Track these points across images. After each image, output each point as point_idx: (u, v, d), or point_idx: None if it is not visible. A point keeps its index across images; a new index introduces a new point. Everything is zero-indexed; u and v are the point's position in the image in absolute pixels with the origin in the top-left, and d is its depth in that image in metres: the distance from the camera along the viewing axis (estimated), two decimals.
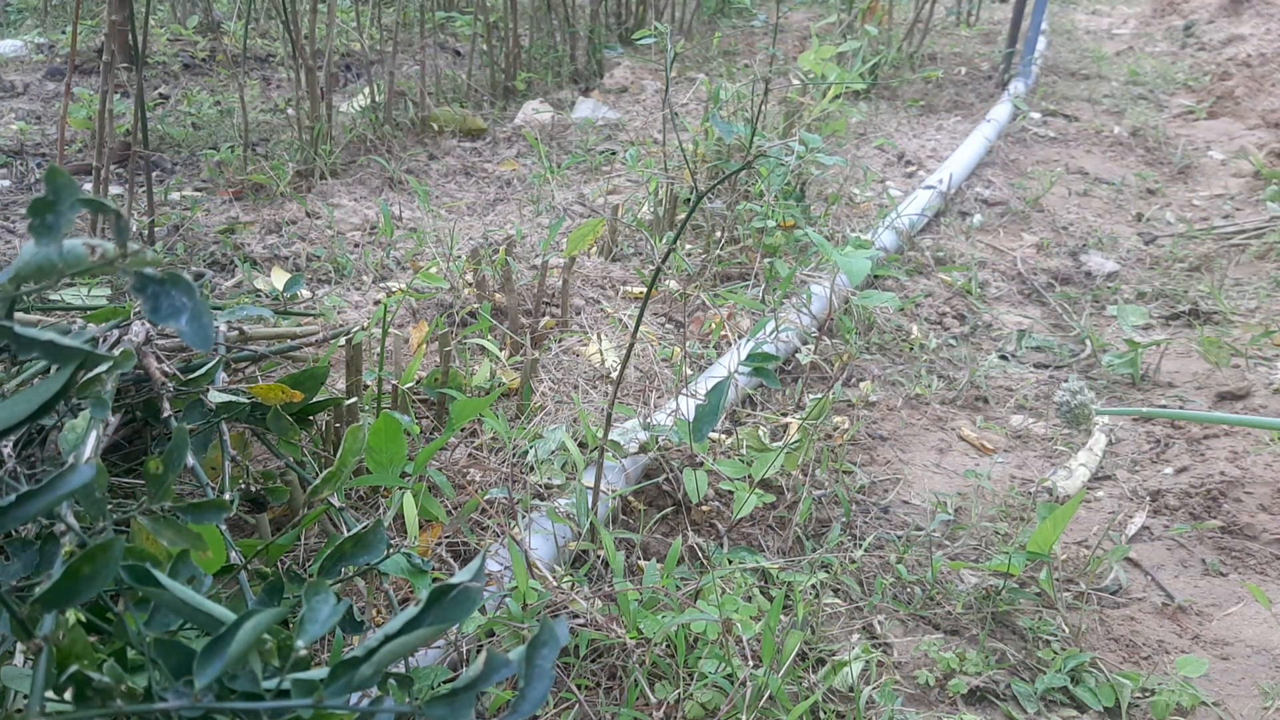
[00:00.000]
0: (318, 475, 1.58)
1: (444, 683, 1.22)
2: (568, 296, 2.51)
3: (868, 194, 3.62)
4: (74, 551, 0.79)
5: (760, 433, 2.02)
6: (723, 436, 2.06)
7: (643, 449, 1.89)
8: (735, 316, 2.61)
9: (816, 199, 3.35)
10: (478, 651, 1.36)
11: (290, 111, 3.97)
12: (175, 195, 3.21)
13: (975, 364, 2.56)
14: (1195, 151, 4.47)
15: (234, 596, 1.09)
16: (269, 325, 1.90)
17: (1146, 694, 1.49)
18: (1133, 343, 2.54)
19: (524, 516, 1.66)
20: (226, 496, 1.26)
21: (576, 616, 1.45)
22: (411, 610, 0.66)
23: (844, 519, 1.86)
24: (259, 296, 2.50)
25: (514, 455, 1.86)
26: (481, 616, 1.38)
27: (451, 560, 1.63)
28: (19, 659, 0.91)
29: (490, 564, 1.51)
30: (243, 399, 1.37)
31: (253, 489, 1.42)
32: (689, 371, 2.27)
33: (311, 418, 1.63)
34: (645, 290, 2.17)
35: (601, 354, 2.34)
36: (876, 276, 2.95)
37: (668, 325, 2.59)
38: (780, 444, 1.92)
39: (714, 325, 2.44)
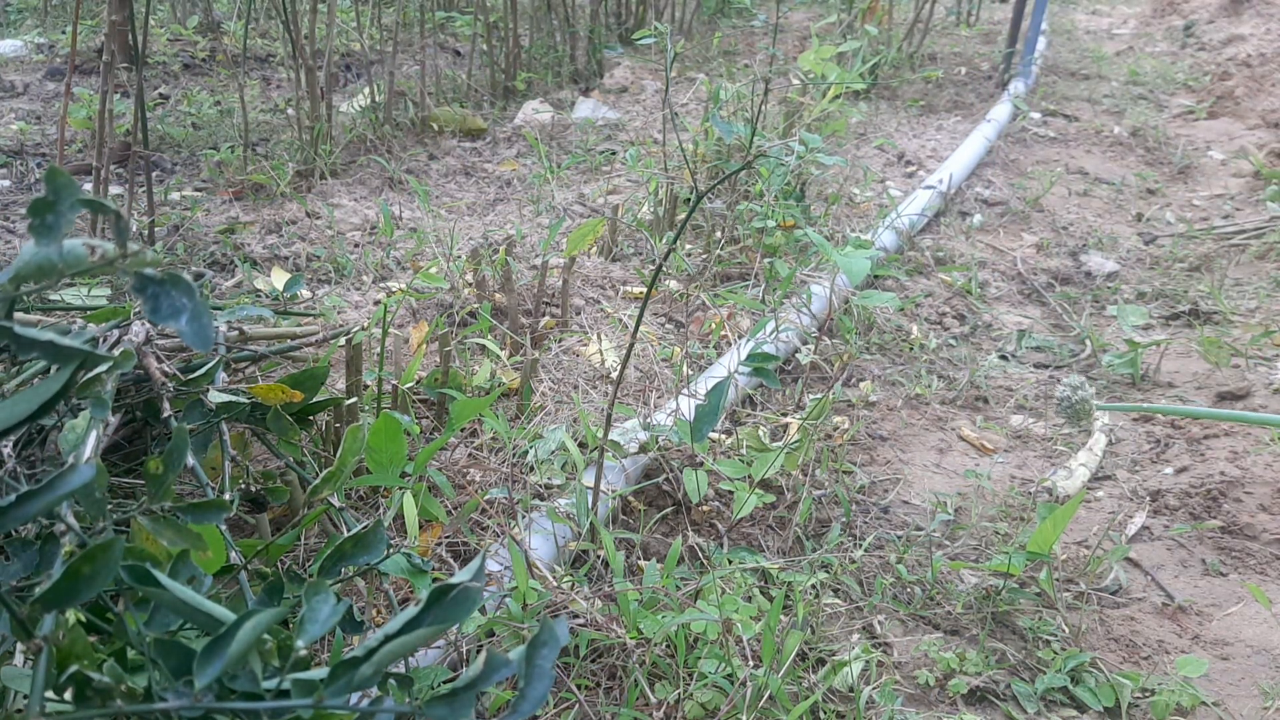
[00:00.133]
0: (318, 475, 1.58)
1: (444, 683, 1.22)
2: (568, 296, 2.51)
3: (868, 194, 3.62)
4: (74, 551, 0.79)
5: (760, 433, 2.02)
6: (723, 436, 2.06)
7: (643, 449, 1.89)
8: (735, 316, 2.61)
9: (816, 199, 3.35)
10: (478, 651, 1.36)
11: (290, 111, 3.97)
12: (175, 195, 3.21)
13: (975, 364, 2.56)
14: (1195, 151, 4.47)
15: (234, 596, 1.09)
16: (269, 325, 1.90)
17: (1146, 694, 1.49)
18: (1133, 343, 2.54)
19: (524, 516, 1.66)
20: (226, 496, 1.26)
21: (576, 616, 1.45)
22: (411, 610, 0.66)
23: (844, 519, 1.86)
24: (259, 296, 2.50)
25: (514, 455, 1.86)
26: (481, 616, 1.38)
27: (451, 560, 1.63)
28: (19, 659, 0.91)
29: (490, 564, 1.51)
30: (243, 399, 1.37)
31: (253, 489, 1.42)
32: (689, 371, 2.27)
33: (311, 418, 1.63)
34: (645, 290, 2.17)
35: (601, 354, 2.34)
36: (876, 276, 2.95)
37: (668, 325, 2.59)
38: (780, 444, 1.92)
39: (714, 325, 2.44)
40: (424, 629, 0.65)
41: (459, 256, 2.77)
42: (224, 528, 1.16)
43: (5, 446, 1.23)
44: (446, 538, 1.65)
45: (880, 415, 2.31)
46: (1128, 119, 4.88)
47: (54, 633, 0.65)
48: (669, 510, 1.82)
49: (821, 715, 1.38)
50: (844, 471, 2.03)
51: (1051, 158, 4.33)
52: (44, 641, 0.64)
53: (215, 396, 1.36)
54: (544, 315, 2.50)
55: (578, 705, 1.36)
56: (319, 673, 0.64)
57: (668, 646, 1.43)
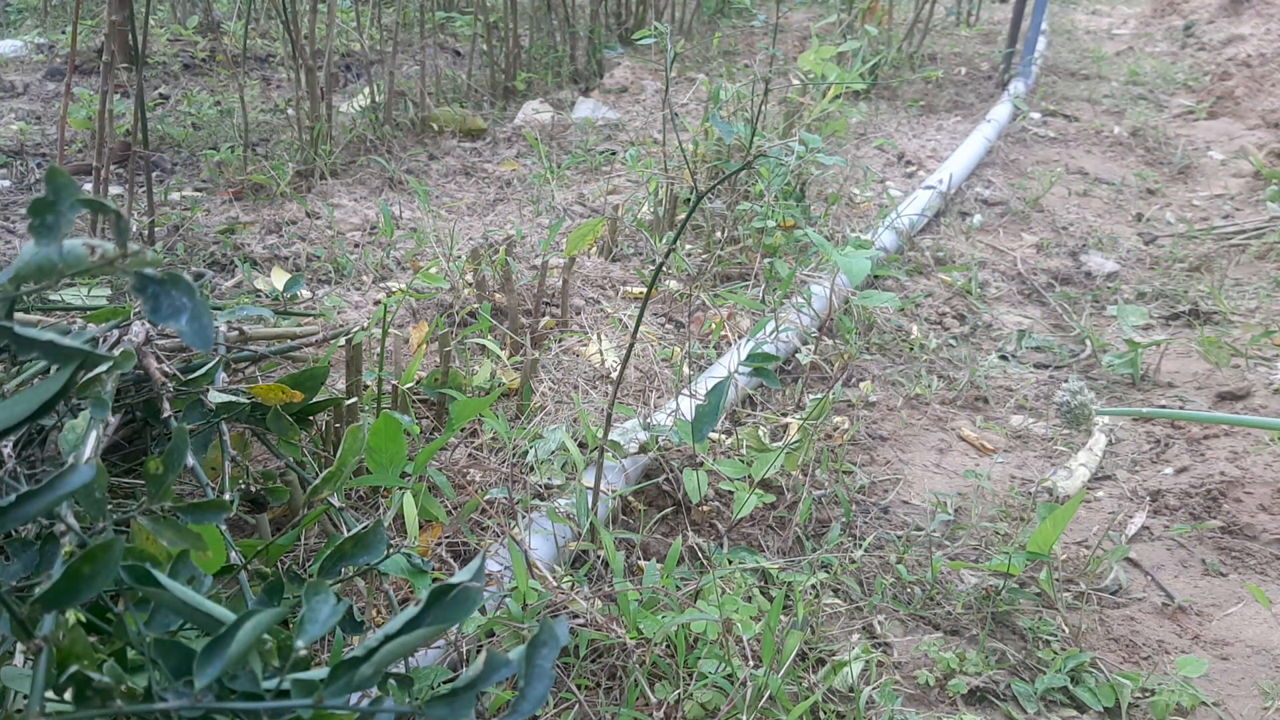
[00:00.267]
0: (318, 475, 1.58)
1: (444, 683, 1.22)
2: (568, 296, 2.51)
3: (868, 194, 3.62)
4: (74, 551, 0.79)
5: (760, 433, 2.02)
6: (723, 436, 2.06)
7: (643, 449, 1.89)
8: (735, 316, 2.61)
9: (816, 199, 3.35)
10: (478, 651, 1.36)
11: (290, 111, 3.97)
12: (175, 195, 3.21)
13: (975, 364, 2.56)
14: (1195, 151, 4.47)
15: (234, 596, 1.09)
16: (269, 325, 1.90)
17: (1146, 694, 1.49)
18: (1133, 343, 2.54)
19: (524, 516, 1.66)
20: (226, 496, 1.26)
21: (576, 616, 1.45)
22: (411, 610, 0.66)
23: (844, 519, 1.86)
24: (259, 296, 2.50)
25: (514, 455, 1.86)
26: (481, 616, 1.38)
27: (451, 560, 1.63)
28: (19, 659, 0.91)
29: (490, 564, 1.51)
30: (243, 399, 1.37)
31: (253, 489, 1.42)
32: (689, 371, 2.27)
33: (311, 418, 1.63)
34: (645, 290, 2.17)
35: (601, 354, 2.34)
36: (876, 276, 2.95)
37: (668, 325, 2.59)
38: (780, 444, 1.92)
39: (714, 325, 2.44)
40: (424, 629, 0.65)
41: (459, 256, 2.77)
42: (224, 528, 1.16)
43: (5, 446, 1.23)
44: (446, 538, 1.65)
45: (880, 415, 2.31)
46: (1128, 119, 4.88)
47: (54, 633, 0.65)
48: (669, 510, 1.82)
49: (821, 715, 1.38)
50: (844, 471, 2.03)
51: (1051, 158, 4.33)
52: (44, 641, 0.64)
53: (215, 396, 1.36)
54: (544, 315, 2.50)
55: (578, 705, 1.36)
56: (319, 673, 0.64)
57: (668, 646, 1.43)
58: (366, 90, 4.06)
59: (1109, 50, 6.48)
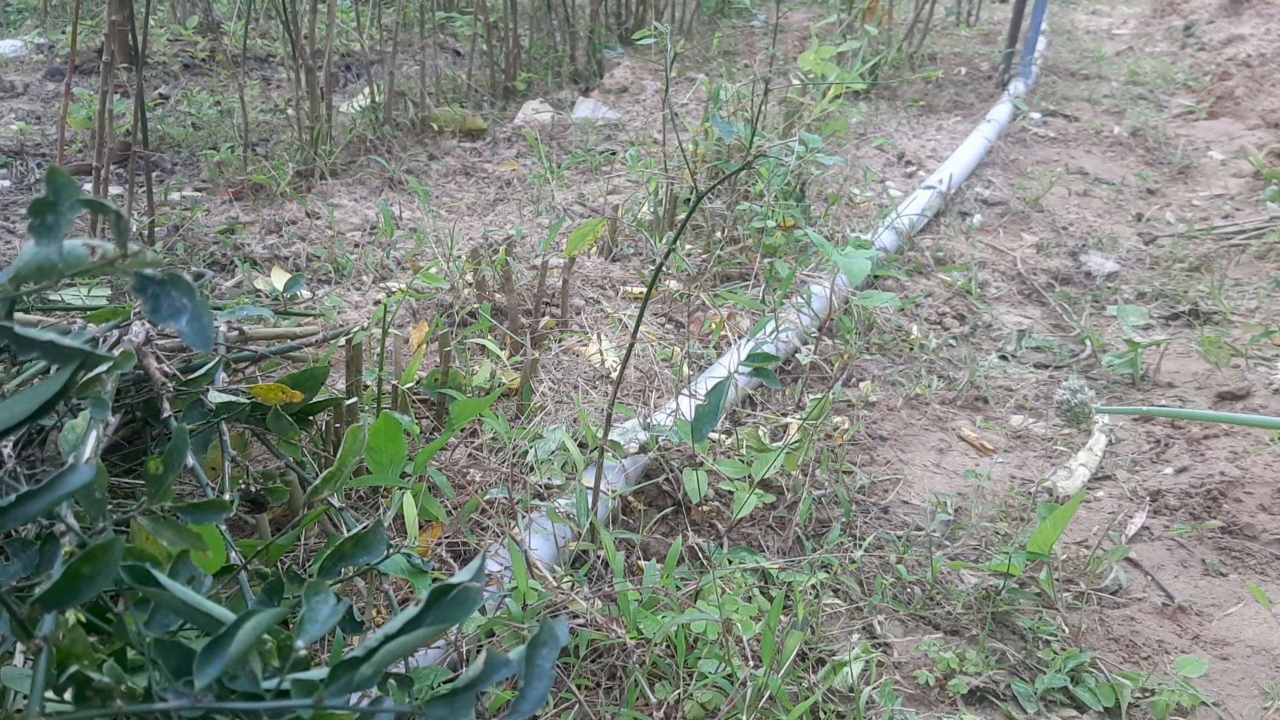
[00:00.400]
0: (318, 475, 1.58)
1: (444, 683, 1.22)
2: (568, 296, 2.51)
3: (868, 194, 3.62)
4: (74, 551, 0.79)
5: (760, 433, 2.02)
6: (723, 436, 2.06)
7: (643, 449, 1.89)
8: (735, 316, 2.61)
9: (816, 199, 3.35)
10: (478, 651, 1.36)
11: (290, 111, 3.97)
12: (175, 195, 3.21)
13: (975, 364, 2.56)
14: (1195, 151, 4.47)
15: (234, 596, 1.09)
16: (269, 325, 1.90)
17: (1146, 694, 1.49)
18: (1133, 343, 2.54)
19: (524, 516, 1.66)
20: (226, 497, 1.26)
21: (576, 616, 1.45)
22: (411, 610, 0.66)
23: (844, 519, 1.86)
24: (259, 296, 2.50)
25: (514, 455, 1.86)
26: (481, 616, 1.38)
27: (451, 560, 1.63)
28: (19, 659, 0.91)
29: (490, 564, 1.51)
30: (243, 399, 1.37)
31: (253, 489, 1.42)
32: (689, 371, 2.27)
33: (311, 418, 1.63)
34: (645, 290, 2.17)
35: (601, 354, 2.34)
36: (876, 276, 2.95)
37: (668, 325, 2.59)
38: (780, 444, 1.92)
39: (714, 325, 2.44)
40: (424, 629, 0.65)
41: (459, 256, 2.77)
42: (224, 528, 1.16)
43: (5, 446, 1.23)
44: (446, 538, 1.65)
45: (880, 415, 2.31)
46: (1128, 119, 4.88)
47: (54, 633, 0.65)
48: (669, 510, 1.82)
49: (821, 715, 1.38)
50: (844, 471, 2.03)
51: (1051, 158, 4.33)
52: (44, 641, 0.64)
53: (215, 396, 1.36)
54: (544, 315, 2.50)
55: (578, 705, 1.36)
56: (319, 673, 0.64)
57: (668, 646, 1.43)
58: (366, 90, 4.06)
59: (1109, 50, 6.48)
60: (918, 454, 2.16)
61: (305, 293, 2.57)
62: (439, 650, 1.34)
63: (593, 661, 1.43)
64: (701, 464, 1.89)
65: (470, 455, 1.91)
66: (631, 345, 1.60)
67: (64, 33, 5.17)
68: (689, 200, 2.98)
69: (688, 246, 2.97)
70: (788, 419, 2.15)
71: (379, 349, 1.92)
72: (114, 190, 3.05)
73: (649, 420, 1.94)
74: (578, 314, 2.57)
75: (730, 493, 1.87)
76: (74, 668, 0.62)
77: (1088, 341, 2.70)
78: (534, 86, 4.87)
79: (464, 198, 3.48)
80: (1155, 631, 1.65)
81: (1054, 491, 2.03)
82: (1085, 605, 1.68)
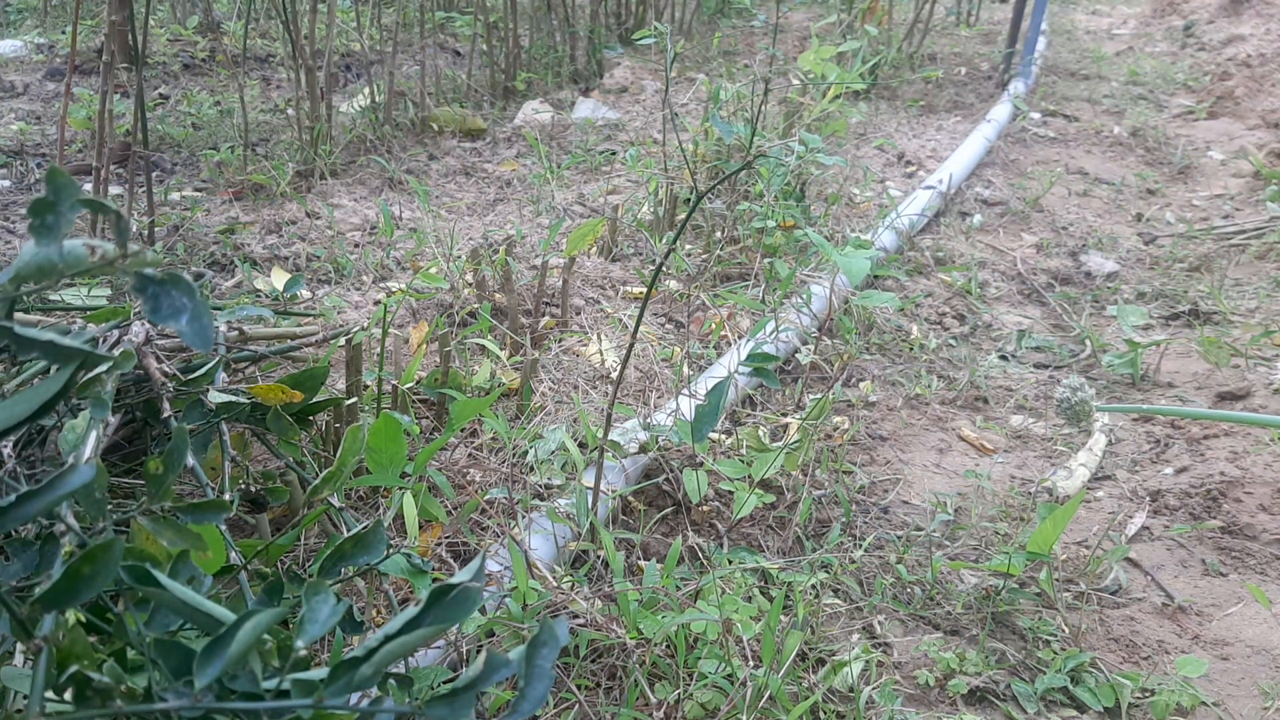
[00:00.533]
0: (318, 475, 1.58)
1: (444, 683, 1.22)
2: (568, 296, 2.51)
3: (868, 194, 3.62)
4: (74, 552, 0.79)
5: (760, 433, 2.02)
6: (723, 436, 2.06)
7: (643, 449, 1.89)
8: (735, 316, 2.61)
9: (816, 199, 3.35)
10: (478, 651, 1.36)
11: (290, 111, 3.97)
12: (175, 195, 3.21)
13: (975, 364, 2.56)
14: (1195, 151, 4.47)
15: (234, 596, 1.09)
16: (269, 325, 1.90)
17: (1146, 694, 1.49)
18: (1133, 343, 2.54)
19: (524, 516, 1.66)
20: (226, 497, 1.26)
21: (576, 616, 1.45)
22: (411, 610, 0.66)
23: (844, 519, 1.86)
24: (259, 296, 2.50)
25: (514, 455, 1.86)
26: (481, 616, 1.38)
27: (451, 560, 1.63)
28: (19, 659, 0.91)
29: (490, 564, 1.51)
30: (243, 399, 1.37)
31: (253, 489, 1.42)
32: (689, 371, 2.27)
33: (311, 418, 1.63)
34: (645, 290, 2.17)
35: (601, 354, 2.34)
36: (876, 276, 2.95)
37: (668, 325, 2.59)
38: (780, 444, 1.92)
39: (714, 325, 2.44)
40: (424, 629, 0.65)
41: (459, 256, 2.77)
42: (224, 528, 1.16)
43: (5, 446, 1.23)
44: (446, 538, 1.65)
45: (880, 415, 2.31)
46: (1128, 119, 4.88)
47: (54, 633, 0.65)
48: (669, 510, 1.82)
49: (821, 715, 1.38)
50: (844, 471, 2.03)
51: (1051, 158, 4.33)
52: (44, 641, 0.64)
53: (215, 396, 1.36)
54: (544, 315, 2.50)
55: (578, 705, 1.36)
56: (319, 673, 0.64)
57: (668, 646, 1.43)
58: (366, 90, 4.06)
59: (1109, 50, 6.48)
60: (918, 454, 2.16)
61: (305, 293, 2.57)
62: (439, 650, 1.34)
63: (593, 661, 1.43)
64: (701, 464, 1.89)
65: (470, 455, 1.91)
66: (631, 345, 1.60)
67: (64, 33, 5.17)
68: (689, 200, 2.98)
69: (688, 246, 2.97)
70: (788, 419, 2.15)
71: (379, 349, 1.92)
72: (114, 190, 3.05)
73: (649, 420, 1.94)
74: (578, 314, 2.57)
75: (730, 493, 1.87)
76: (74, 668, 0.62)
77: (1088, 341, 2.70)
78: (534, 86, 4.87)
79: (464, 198, 3.48)
80: (1155, 631, 1.65)
81: (1054, 491, 2.03)
82: (1085, 605, 1.68)
